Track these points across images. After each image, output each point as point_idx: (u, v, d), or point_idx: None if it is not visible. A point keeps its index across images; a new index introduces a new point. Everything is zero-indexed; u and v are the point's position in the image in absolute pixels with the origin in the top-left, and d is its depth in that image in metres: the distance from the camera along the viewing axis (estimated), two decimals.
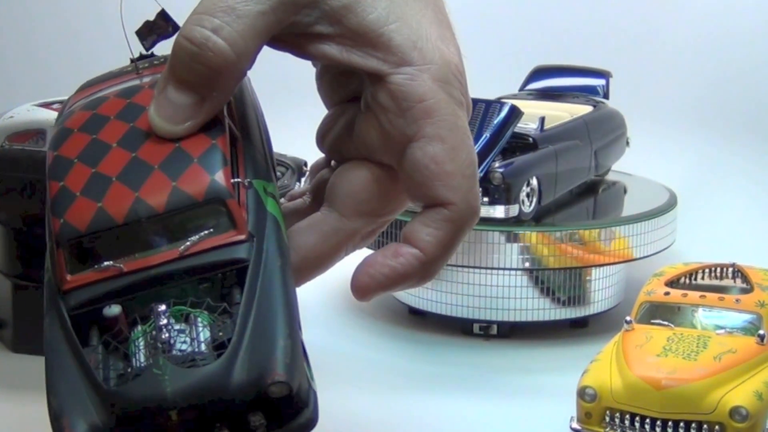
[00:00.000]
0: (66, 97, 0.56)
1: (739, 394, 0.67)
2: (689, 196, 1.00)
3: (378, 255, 0.52)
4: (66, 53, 1.30)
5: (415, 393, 0.79)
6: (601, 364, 0.71)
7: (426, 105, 0.51)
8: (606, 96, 1.01)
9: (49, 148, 0.51)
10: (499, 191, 0.85)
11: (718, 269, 0.81)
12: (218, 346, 0.46)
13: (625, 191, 0.98)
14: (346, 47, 0.51)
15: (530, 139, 0.89)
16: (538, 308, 0.88)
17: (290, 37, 0.51)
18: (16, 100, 0.87)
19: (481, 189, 0.84)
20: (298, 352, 0.47)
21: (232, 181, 0.49)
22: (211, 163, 0.49)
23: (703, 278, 0.81)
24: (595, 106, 0.98)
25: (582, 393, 0.70)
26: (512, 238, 0.85)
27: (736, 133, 1.22)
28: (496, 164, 0.85)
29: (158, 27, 0.55)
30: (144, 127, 0.50)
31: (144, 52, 0.55)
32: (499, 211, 0.85)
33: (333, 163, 0.56)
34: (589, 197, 0.97)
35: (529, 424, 0.75)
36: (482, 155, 0.85)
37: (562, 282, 0.88)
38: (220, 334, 0.47)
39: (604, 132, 0.97)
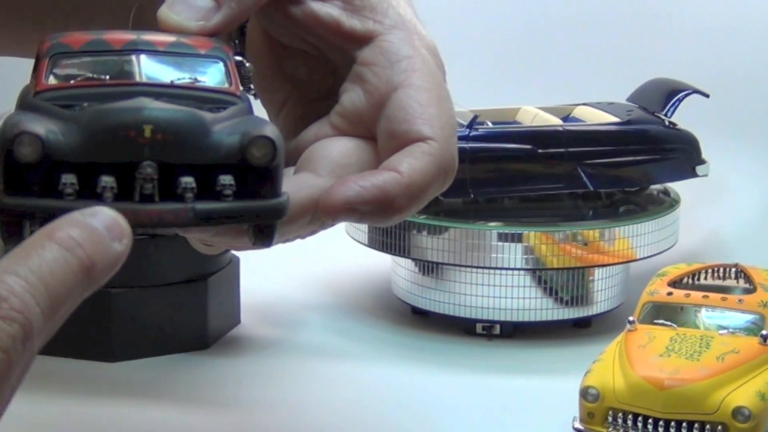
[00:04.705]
0: None
1: (742, 395, 0.67)
2: (692, 195, 1.00)
3: (353, 175, 0.51)
4: None
5: (418, 392, 0.79)
6: (604, 364, 0.71)
7: (415, 61, 0.53)
8: (667, 113, 0.97)
9: (46, 41, 0.48)
10: None
11: (721, 270, 0.81)
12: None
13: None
14: (347, 11, 0.54)
15: None
16: (540, 308, 0.88)
17: None
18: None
19: None
20: (282, 141, 0.46)
21: (236, 58, 0.49)
22: (215, 48, 0.49)
23: (706, 278, 0.81)
24: (625, 120, 0.94)
25: (585, 393, 0.70)
26: (514, 238, 0.85)
27: (738, 133, 1.21)
28: None
29: None
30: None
31: None
32: None
33: None
34: (593, 211, 0.94)
35: (532, 423, 0.75)
36: None
37: (564, 282, 0.88)
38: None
39: (609, 147, 0.93)
